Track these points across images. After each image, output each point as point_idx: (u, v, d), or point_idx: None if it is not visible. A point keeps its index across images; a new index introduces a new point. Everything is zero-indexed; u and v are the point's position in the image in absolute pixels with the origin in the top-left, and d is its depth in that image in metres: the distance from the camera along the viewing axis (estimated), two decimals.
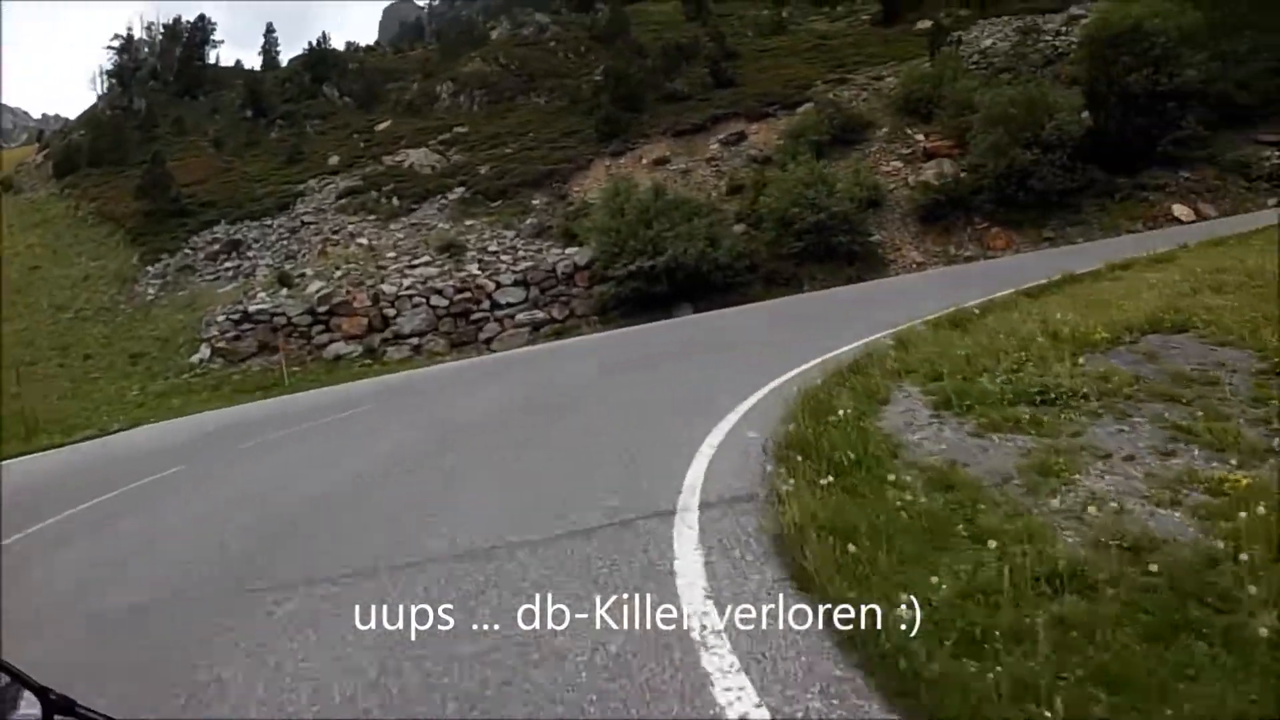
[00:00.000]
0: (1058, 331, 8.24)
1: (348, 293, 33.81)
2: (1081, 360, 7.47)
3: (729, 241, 30.59)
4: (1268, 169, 28.56)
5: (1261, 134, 29.56)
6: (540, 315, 31.49)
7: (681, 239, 29.39)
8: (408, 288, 33.40)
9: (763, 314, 23.43)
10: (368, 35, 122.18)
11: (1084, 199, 29.50)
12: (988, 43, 41.51)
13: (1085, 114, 29.53)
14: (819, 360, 10.24)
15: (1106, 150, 29.11)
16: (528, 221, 37.07)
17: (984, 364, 7.69)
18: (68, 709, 1.25)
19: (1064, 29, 39.82)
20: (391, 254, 37.00)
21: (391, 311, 32.64)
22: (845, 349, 10.69)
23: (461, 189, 41.01)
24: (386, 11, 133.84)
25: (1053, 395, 6.30)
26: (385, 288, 33.69)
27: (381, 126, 51.93)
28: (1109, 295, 10.73)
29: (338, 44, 74.12)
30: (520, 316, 31.53)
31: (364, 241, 39.08)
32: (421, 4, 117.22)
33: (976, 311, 11.06)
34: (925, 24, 45.76)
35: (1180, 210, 28.25)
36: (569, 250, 33.55)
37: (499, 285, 32.48)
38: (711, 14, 56.58)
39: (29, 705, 1.24)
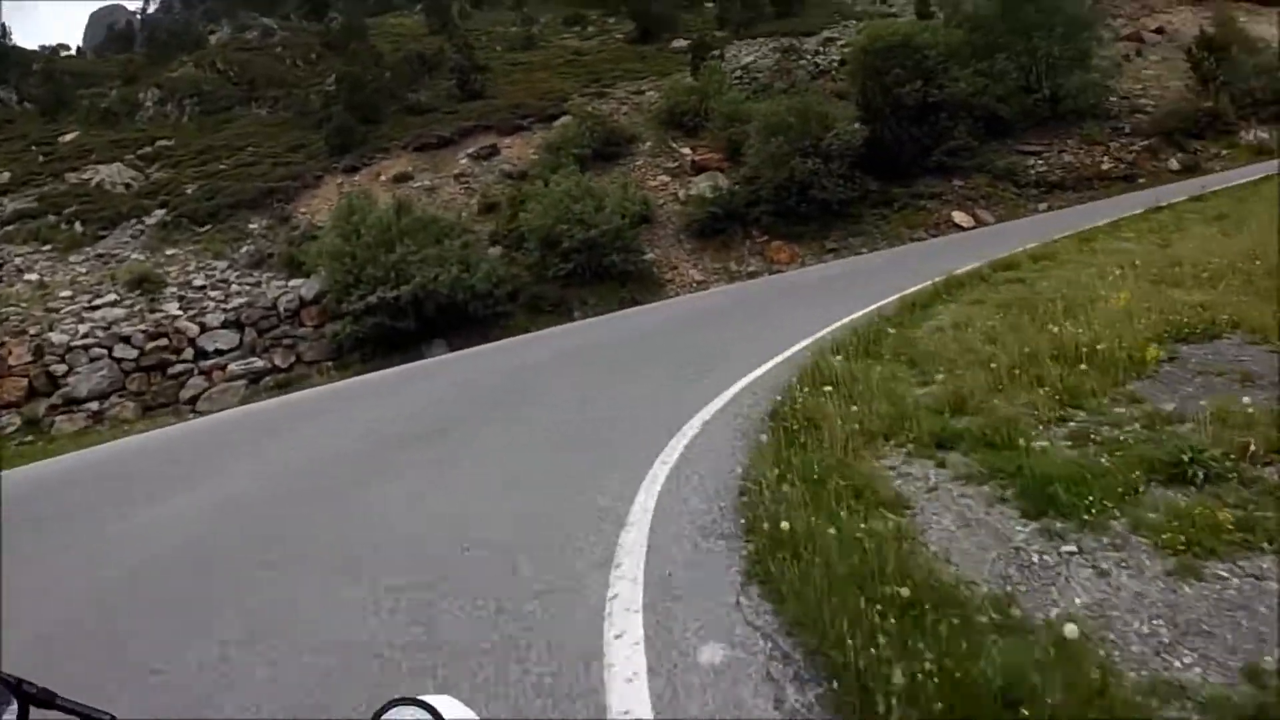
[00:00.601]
0: (1061, 350, 5.87)
1: (1, 345, 26.40)
2: (1131, 388, 5.27)
3: (486, 266, 26.19)
4: (1033, 176, 30.06)
5: (1021, 144, 31.30)
6: (259, 364, 25.48)
7: (430, 264, 24.84)
8: (84, 336, 26.44)
9: (544, 349, 17.39)
10: (71, 41, 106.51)
11: (863, 209, 29.01)
12: (749, 59, 41.15)
13: (858, 125, 29.02)
14: (700, 420, 6.66)
15: (882, 160, 28.96)
16: (244, 249, 31.01)
17: (994, 409, 5.22)
18: (48, 702, 1.21)
19: (821, 48, 41.01)
20: (67, 293, 29.71)
21: (62, 368, 25.49)
22: (724, 399, 7.20)
23: (162, 211, 34.12)
24: (93, 17, 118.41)
25: (1208, 463, 3.94)
26: (55, 337, 26.49)
27: (67, 138, 43.13)
28: (1044, 299, 8.30)
29: (29, 46, 63.04)
30: (233, 367, 25.33)
31: (34, 277, 31.40)
32: (133, 8, 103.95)
33: (890, 330, 8.24)
34: (682, 43, 44.78)
35: (960, 217, 28.34)
36: (294, 282, 27.90)
37: (205, 328, 26.15)
38: (458, 28, 52.66)
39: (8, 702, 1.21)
